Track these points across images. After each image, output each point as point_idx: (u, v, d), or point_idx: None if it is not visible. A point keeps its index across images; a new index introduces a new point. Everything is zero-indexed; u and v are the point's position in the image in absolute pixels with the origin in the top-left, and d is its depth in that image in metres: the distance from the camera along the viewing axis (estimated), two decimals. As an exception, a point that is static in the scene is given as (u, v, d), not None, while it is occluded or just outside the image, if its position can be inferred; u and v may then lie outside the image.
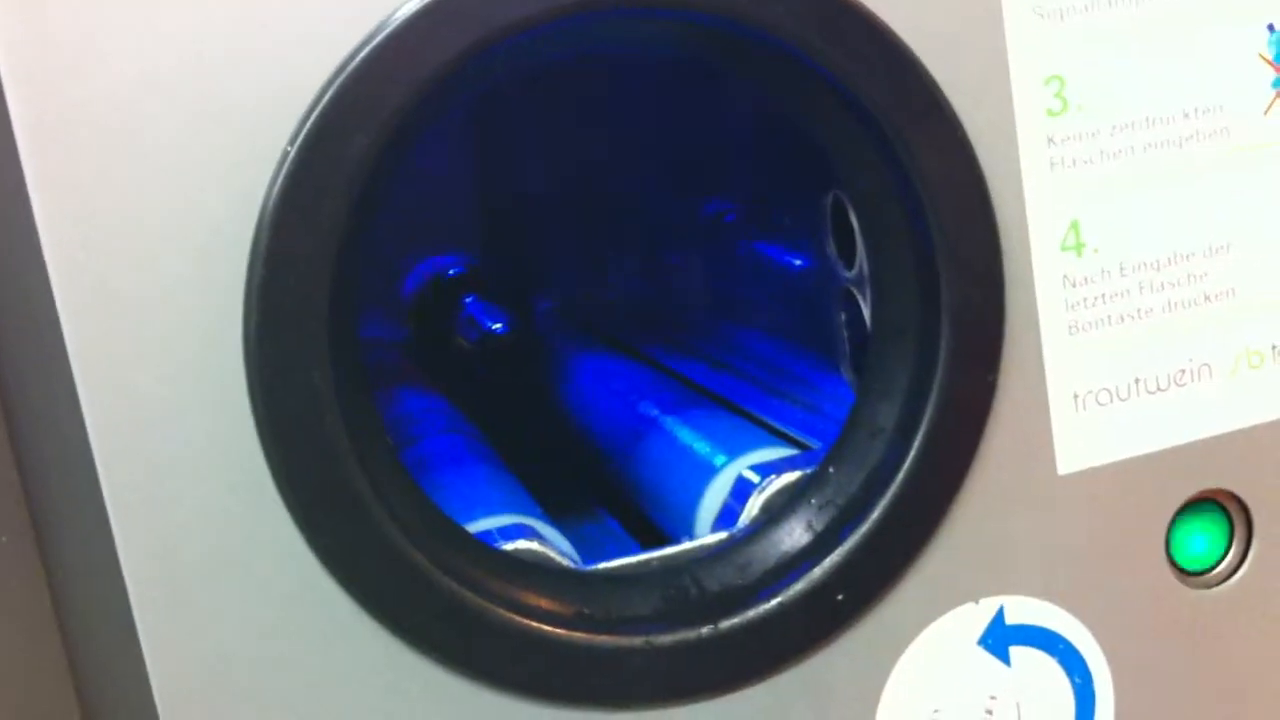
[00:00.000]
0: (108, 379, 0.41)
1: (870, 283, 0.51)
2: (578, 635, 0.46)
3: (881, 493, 0.48)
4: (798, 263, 0.68)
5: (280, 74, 0.42)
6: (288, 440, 0.43)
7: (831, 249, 0.57)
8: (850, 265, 0.56)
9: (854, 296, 0.56)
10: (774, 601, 0.47)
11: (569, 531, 0.55)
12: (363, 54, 0.42)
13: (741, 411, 0.66)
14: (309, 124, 0.41)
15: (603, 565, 0.50)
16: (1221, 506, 0.52)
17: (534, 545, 0.50)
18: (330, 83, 0.42)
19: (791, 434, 0.61)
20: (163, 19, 0.41)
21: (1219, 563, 0.52)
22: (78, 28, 0.40)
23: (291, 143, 0.42)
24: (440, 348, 0.96)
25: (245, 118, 0.42)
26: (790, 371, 0.69)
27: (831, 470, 0.50)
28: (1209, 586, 0.52)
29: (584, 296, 0.98)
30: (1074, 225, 0.49)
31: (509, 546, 0.49)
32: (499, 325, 0.88)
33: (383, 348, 0.92)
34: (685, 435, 0.62)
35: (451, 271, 1.00)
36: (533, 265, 1.00)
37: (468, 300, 0.98)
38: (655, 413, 0.68)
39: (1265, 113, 0.50)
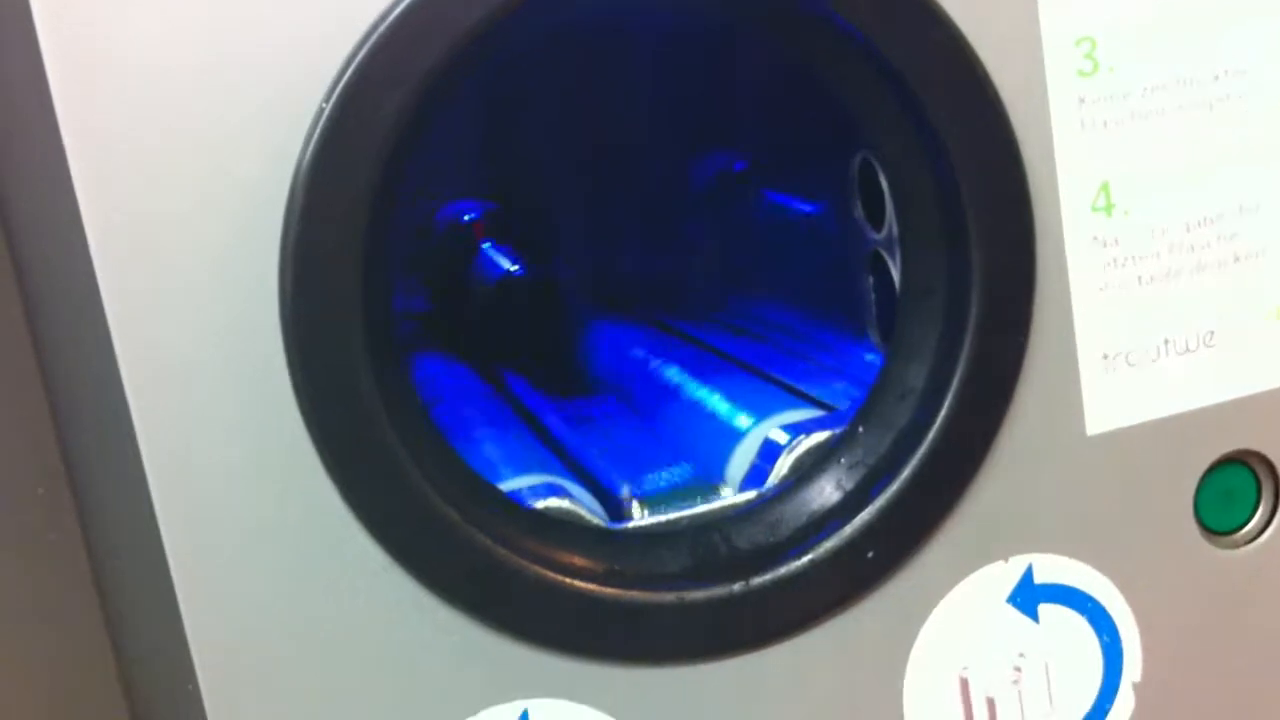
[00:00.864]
0: (145, 338, 0.42)
1: (899, 244, 0.51)
2: (609, 591, 0.46)
3: (911, 452, 0.48)
4: (818, 227, 0.68)
5: (315, 28, 0.42)
6: (324, 398, 0.43)
7: (859, 212, 0.57)
8: (879, 227, 0.56)
9: (882, 259, 0.56)
10: (804, 559, 0.47)
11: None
12: (399, 8, 0.42)
13: (763, 374, 0.66)
14: (344, 79, 0.42)
15: (633, 523, 0.50)
16: (1249, 467, 0.52)
17: (564, 503, 0.50)
18: (366, 38, 0.42)
19: (815, 395, 0.61)
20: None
21: (1246, 522, 0.52)
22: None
23: (327, 99, 0.42)
24: (459, 312, 0.96)
25: (279, 73, 0.42)
26: (811, 336, 0.69)
27: (861, 430, 0.50)
28: (1236, 546, 0.52)
29: (599, 263, 0.98)
30: (1104, 186, 0.49)
31: (540, 504, 0.49)
32: (516, 267, 0.88)
33: (400, 315, 0.92)
34: (709, 398, 0.63)
35: (466, 218, 0.99)
36: (546, 232, 1.00)
37: (484, 245, 0.97)
38: (677, 377, 0.68)
39: (1295, 74, 0.50)
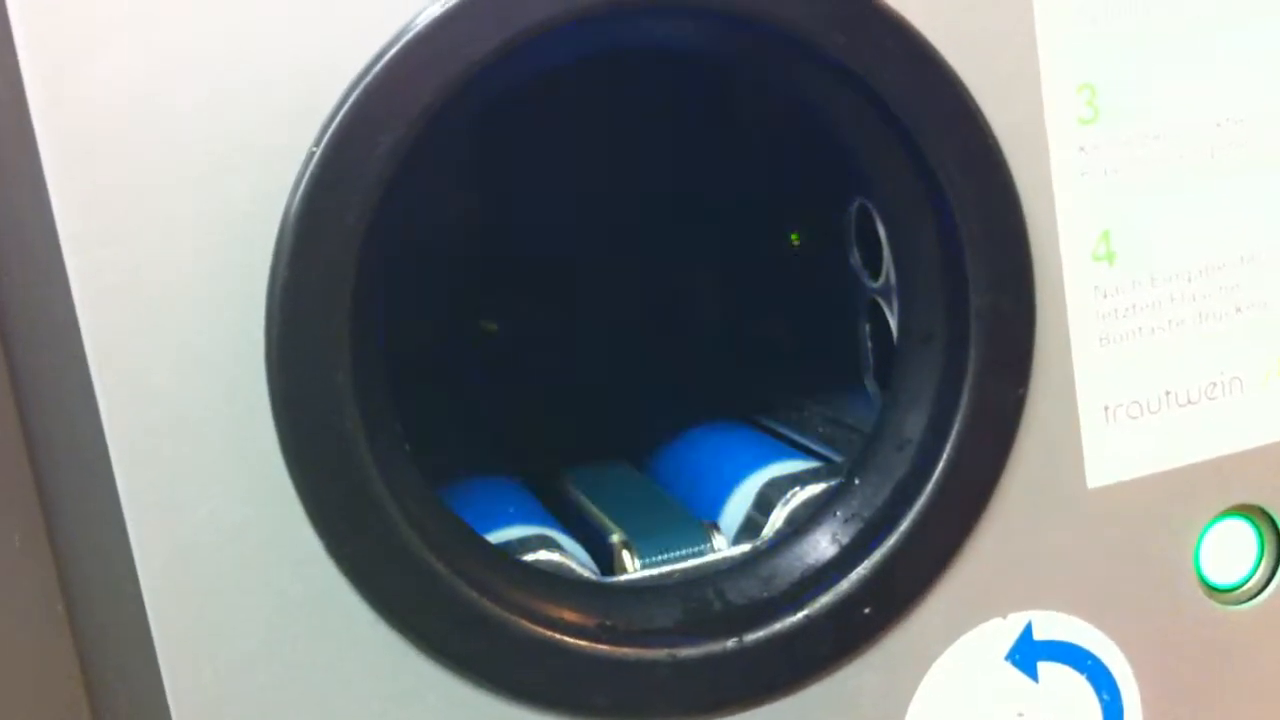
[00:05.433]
0: (126, 380, 0.41)
1: (897, 292, 0.51)
2: (600, 647, 0.45)
3: (909, 505, 0.47)
4: (812, 273, 0.67)
5: (306, 73, 0.41)
6: (308, 444, 0.42)
7: (855, 258, 0.57)
8: (876, 275, 0.55)
9: (879, 307, 0.55)
10: (800, 614, 0.46)
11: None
12: (389, 55, 0.41)
13: (756, 423, 0.65)
14: (334, 125, 0.41)
15: (624, 576, 0.49)
16: (1251, 522, 0.51)
17: (554, 556, 0.49)
18: (356, 84, 0.41)
19: (808, 445, 0.60)
20: (186, 14, 0.40)
21: (1248, 579, 0.51)
22: (99, 17, 0.39)
23: (316, 144, 0.41)
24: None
25: (269, 117, 0.41)
26: (805, 384, 0.68)
27: (857, 482, 0.49)
28: (1238, 603, 0.51)
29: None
30: (1105, 235, 0.48)
31: (529, 557, 0.48)
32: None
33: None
34: (702, 448, 0.62)
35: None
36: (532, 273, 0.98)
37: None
38: (669, 426, 0.67)
39: (1297, 123, 0.49)
